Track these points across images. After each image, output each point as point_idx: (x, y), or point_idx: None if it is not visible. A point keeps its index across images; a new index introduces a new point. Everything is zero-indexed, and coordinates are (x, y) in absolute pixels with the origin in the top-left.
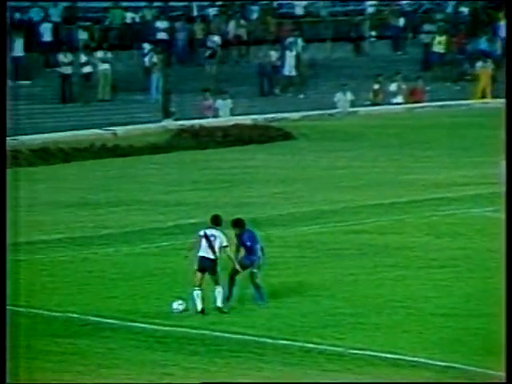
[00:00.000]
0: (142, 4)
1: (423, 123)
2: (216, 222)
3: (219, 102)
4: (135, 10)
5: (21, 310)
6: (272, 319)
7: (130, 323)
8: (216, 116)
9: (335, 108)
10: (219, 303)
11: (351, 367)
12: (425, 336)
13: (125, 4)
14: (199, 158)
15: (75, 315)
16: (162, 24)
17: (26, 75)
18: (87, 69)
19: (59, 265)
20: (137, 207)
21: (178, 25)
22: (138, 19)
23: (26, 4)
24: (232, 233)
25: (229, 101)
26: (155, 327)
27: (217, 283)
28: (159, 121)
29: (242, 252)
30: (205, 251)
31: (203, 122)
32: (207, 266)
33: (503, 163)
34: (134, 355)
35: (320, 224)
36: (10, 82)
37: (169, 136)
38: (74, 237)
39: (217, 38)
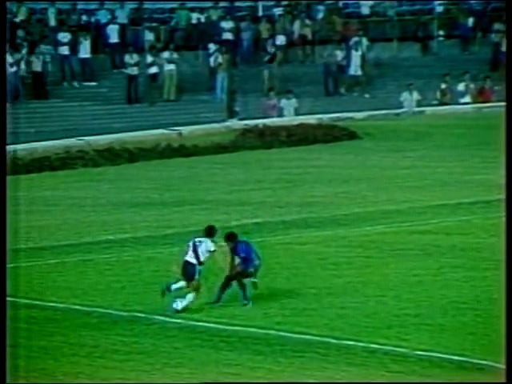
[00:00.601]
0: (208, 4)
1: (491, 123)
2: (209, 233)
3: (284, 102)
4: (201, 10)
5: (88, 309)
6: (335, 319)
7: (195, 322)
8: (280, 116)
9: (401, 108)
10: (180, 305)
11: (416, 369)
12: (491, 339)
13: (191, 5)
14: (263, 157)
15: (141, 314)
16: (227, 24)
17: (92, 76)
18: (153, 69)
19: (124, 264)
20: (201, 207)
21: (243, 25)
22: (203, 20)
23: (94, 6)
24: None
25: (293, 100)
26: (220, 326)
27: (194, 289)
28: (224, 120)
29: (238, 261)
30: (189, 256)
31: (267, 121)
32: (186, 270)
33: None
34: (198, 354)
35: (384, 224)
36: (76, 84)
37: (233, 136)
38: (139, 236)
39: (282, 38)
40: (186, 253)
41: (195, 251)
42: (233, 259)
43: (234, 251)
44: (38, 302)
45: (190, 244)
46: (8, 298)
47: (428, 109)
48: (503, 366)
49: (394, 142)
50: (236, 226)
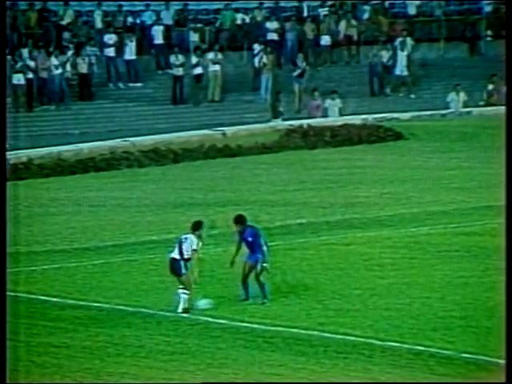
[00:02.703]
0: (253, 5)
1: None
2: (195, 228)
3: (328, 102)
4: (246, 11)
5: (132, 309)
6: (380, 320)
7: (238, 323)
8: (325, 116)
9: (447, 108)
10: (180, 307)
11: (462, 371)
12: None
13: (235, 5)
14: (307, 157)
15: (185, 315)
16: (272, 25)
17: (137, 77)
18: (198, 70)
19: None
20: (244, 207)
21: (288, 25)
22: (248, 20)
23: (139, 8)
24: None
25: (338, 101)
26: (263, 327)
27: (183, 285)
28: (268, 121)
29: (245, 250)
30: (174, 252)
31: (312, 121)
32: (172, 267)
33: None
34: (242, 355)
35: (429, 225)
36: (121, 85)
37: (277, 136)
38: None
39: (327, 39)
40: (173, 250)
41: (180, 247)
42: (240, 243)
43: (241, 235)
44: (82, 303)
45: (178, 242)
46: (53, 299)
47: (475, 110)
48: None
49: (439, 143)
50: (280, 226)
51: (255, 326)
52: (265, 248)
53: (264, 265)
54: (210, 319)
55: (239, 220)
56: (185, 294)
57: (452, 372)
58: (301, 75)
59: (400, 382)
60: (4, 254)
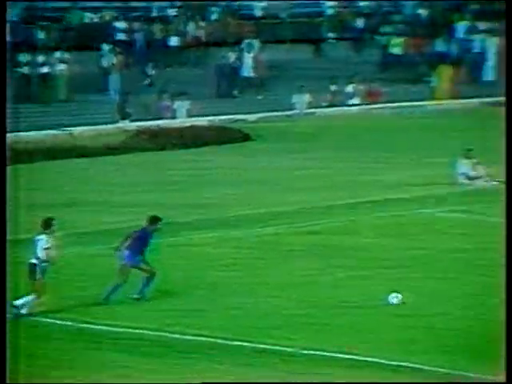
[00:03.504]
0: (101, 4)
1: (380, 125)
2: (45, 226)
3: (177, 103)
4: (94, 10)
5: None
6: (226, 320)
7: (80, 324)
8: (173, 117)
9: (293, 109)
10: (24, 310)
11: (303, 368)
12: (378, 336)
13: (83, 4)
14: (156, 159)
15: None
16: (120, 25)
17: None
18: (45, 69)
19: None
20: (92, 208)
21: (136, 25)
22: (96, 19)
23: None
24: None
25: (186, 102)
26: (110, 329)
27: (34, 291)
28: (116, 122)
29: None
30: (33, 257)
31: (160, 123)
32: (28, 270)
33: (462, 162)
34: (83, 356)
35: (274, 225)
36: None
37: (126, 137)
38: (21, 239)
39: (175, 39)
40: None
41: (35, 249)
42: (129, 244)
43: (142, 233)
44: None
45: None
46: None
47: (319, 110)
48: (390, 362)
49: (285, 144)
50: (127, 227)
51: (103, 327)
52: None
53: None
54: (52, 321)
55: (152, 220)
56: (33, 299)
57: (293, 369)
58: (151, 85)
59: (401, 382)
60: (4, 249)
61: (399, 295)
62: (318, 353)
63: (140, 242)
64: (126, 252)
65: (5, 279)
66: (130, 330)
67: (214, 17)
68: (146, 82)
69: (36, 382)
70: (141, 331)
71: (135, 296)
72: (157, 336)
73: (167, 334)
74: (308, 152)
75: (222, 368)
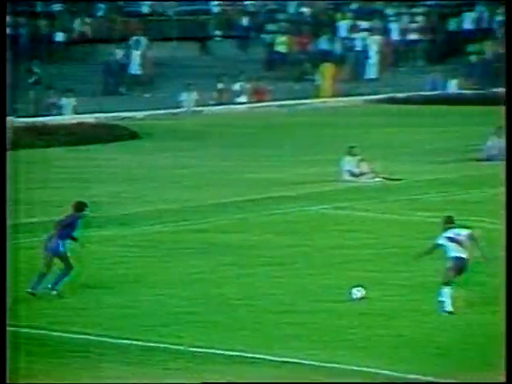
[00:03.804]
0: None
1: (266, 122)
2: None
3: (63, 100)
4: None
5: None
6: (113, 318)
7: None
8: (60, 114)
9: (181, 107)
10: None
11: (191, 365)
12: (263, 332)
13: None
14: (43, 156)
15: None
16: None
17: None
18: None
19: None
20: None
21: (21, 20)
22: None
23: None
24: None
25: (73, 99)
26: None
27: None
28: None
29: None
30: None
31: (46, 120)
32: None
33: (346, 159)
34: None
35: (162, 223)
36: None
37: (11, 133)
38: None
39: (61, 35)
40: None
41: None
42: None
43: (66, 220)
44: None
45: None
46: None
47: (206, 108)
48: (273, 358)
49: (173, 142)
50: (12, 225)
51: None
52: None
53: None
54: None
55: (76, 205)
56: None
57: (182, 366)
58: (37, 83)
59: (402, 382)
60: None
61: (361, 289)
62: (206, 350)
63: (66, 230)
64: (54, 241)
65: (5, 277)
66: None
67: (100, 13)
68: (33, 79)
69: (36, 382)
70: (27, 330)
71: (54, 292)
72: (42, 335)
73: (53, 333)
74: (195, 150)
75: (110, 366)
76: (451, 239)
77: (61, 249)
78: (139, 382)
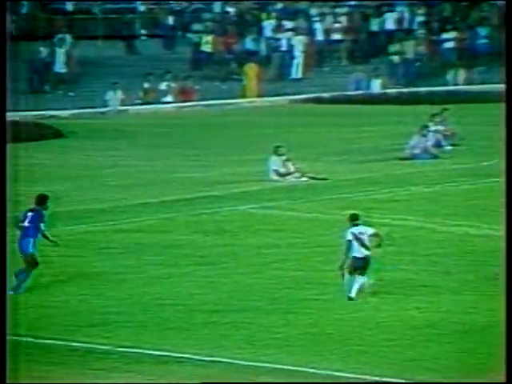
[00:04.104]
0: None
1: (193, 122)
2: None
3: None
4: None
5: None
6: (38, 318)
7: None
8: None
9: (106, 106)
10: None
11: (118, 365)
12: (191, 332)
13: None
14: None
15: None
16: None
17: None
18: None
19: None
20: None
21: None
22: None
23: None
24: None
25: None
26: None
27: None
28: None
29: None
30: None
31: None
32: None
33: (272, 159)
34: None
35: (88, 223)
36: None
37: None
38: None
39: None
40: None
41: None
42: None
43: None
44: None
45: None
46: None
47: (132, 108)
48: (202, 358)
49: (98, 141)
50: None
51: None
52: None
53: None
54: None
55: (38, 199)
56: None
57: (108, 366)
58: None
59: (404, 382)
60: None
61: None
62: (134, 350)
63: (32, 226)
64: (24, 241)
65: (5, 279)
66: None
67: (24, 10)
68: None
69: (36, 382)
70: None
71: (20, 291)
72: None
73: None
74: (122, 149)
75: (35, 367)
76: (355, 236)
77: (30, 250)
78: (138, 382)
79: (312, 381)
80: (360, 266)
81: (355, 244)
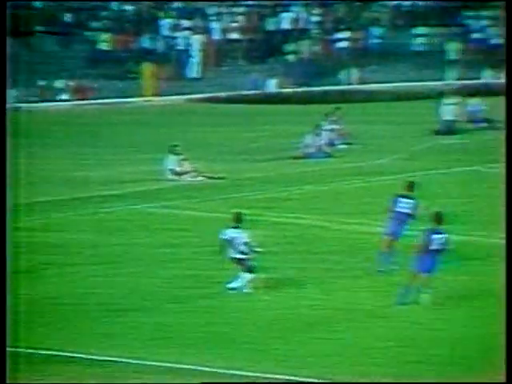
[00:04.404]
0: None
1: (90, 121)
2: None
3: None
4: None
5: None
6: None
7: None
8: None
9: None
10: None
11: (43, 367)
12: (85, 331)
13: None
14: None
15: None
16: None
17: None
18: None
19: None
20: None
21: None
22: None
23: None
24: None
25: None
26: None
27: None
28: None
29: None
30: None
31: None
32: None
33: (169, 158)
34: None
35: None
36: None
37: None
38: None
39: None
40: None
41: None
42: None
43: None
44: None
45: None
46: None
47: (26, 105)
48: (90, 357)
49: None
50: None
51: None
52: None
53: None
54: None
55: None
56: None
57: (33, 369)
58: None
59: (405, 382)
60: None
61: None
62: (30, 351)
63: None
64: None
65: (5, 281)
66: None
67: None
68: None
69: (36, 382)
70: None
71: None
72: None
73: None
74: (16, 148)
75: None
76: (228, 239)
77: None
78: (144, 382)
79: (209, 380)
80: (240, 265)
81: (228, 245)
